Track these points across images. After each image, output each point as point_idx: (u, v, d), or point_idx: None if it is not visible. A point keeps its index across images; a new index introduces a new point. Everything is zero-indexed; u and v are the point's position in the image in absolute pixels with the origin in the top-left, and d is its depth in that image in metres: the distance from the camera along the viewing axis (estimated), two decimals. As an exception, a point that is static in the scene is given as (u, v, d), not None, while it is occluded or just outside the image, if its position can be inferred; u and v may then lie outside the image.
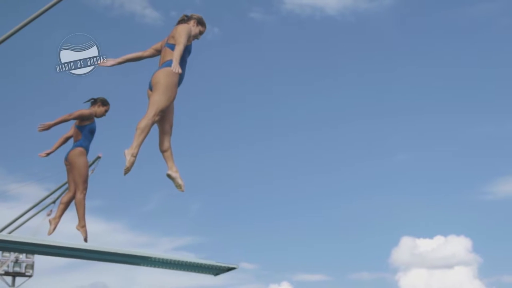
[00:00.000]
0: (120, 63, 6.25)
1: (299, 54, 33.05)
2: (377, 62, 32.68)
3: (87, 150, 7.96)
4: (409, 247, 31.35)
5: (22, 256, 25.25)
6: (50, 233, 8.04)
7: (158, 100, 5.70)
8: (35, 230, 16.91)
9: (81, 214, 7.80)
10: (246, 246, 29.23)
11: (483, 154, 32.52)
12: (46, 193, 17.31)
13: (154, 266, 5.88)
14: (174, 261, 5.64)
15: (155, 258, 5.58)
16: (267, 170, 31.20)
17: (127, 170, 5.57)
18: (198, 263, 5.69)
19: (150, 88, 5.88)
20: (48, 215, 16.64)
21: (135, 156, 5.58)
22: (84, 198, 7.81)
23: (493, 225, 30.94)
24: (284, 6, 31.66)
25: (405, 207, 31.24)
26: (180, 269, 5.95)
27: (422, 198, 31.01)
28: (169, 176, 5.95)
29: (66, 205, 8.04)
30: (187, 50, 5.94)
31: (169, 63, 5.79)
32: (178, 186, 5.96)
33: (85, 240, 7.86)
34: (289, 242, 30.13)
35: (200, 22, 6.28)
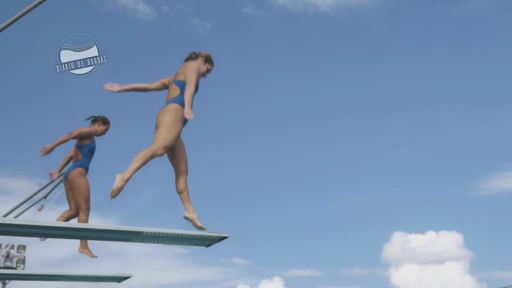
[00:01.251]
0: (126, 90, 6.22)
1: (291, 49, 33.10)
2: (369, 57, 32.79)
3: (87, 170, 7.84)
4: (400, 242, 31.52)
5: (13, 251, 25.18)
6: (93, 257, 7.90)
7: (163, 136, 5.67)
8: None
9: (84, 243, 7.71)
10: (238, 242, 29.27)
11: (475, 151, 32.73)
12: (37, 188, 17.19)
13: (146, 242, 5.87)
14: (166, 234, 5.63)
15: (146, 232, 5.57)
16: (259, 165, 31.28)
17: (113, 194, 5.49)
18: (189, 235, 5.70)
19: (157, 126, 5.85)
20: (39, 210, 16.58)
21: (125, 181, 5.49)
22: (87, 219, 7.67)
23: (485, 220, 31.18)
24: (276, 2, 31.60)
25: (397, 203, 31.41)
26: (172, 242, 5.95)
27: (414, 194, 31.21)
28: (186, 218, 5.91)
29: (66, 221, 7.82)
30: (194, 88, 5.92)
31: (175, 99, 5.82)
32: (199, 228, 5.90)
33: (92, 256, 7.76)
34: (281, 237, 30.23)
35: (208, 60, 6.30)
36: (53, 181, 16.62)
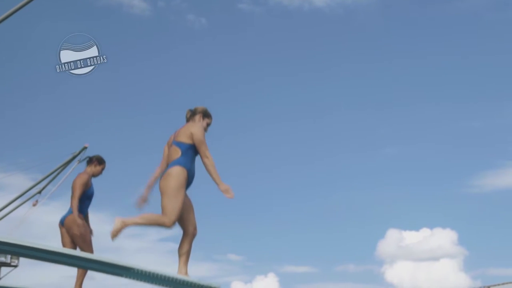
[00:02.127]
0: (149, 192, 5.99)
1: (286, 45, 33.04)
2: (364, 54, 32.77)
3: (84, 214, 7.62)
4: (395, 239, 31.54)
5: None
6: None
7: (171, 208, 5.54)
8: (20, 220, 16.79)
9: (79, 283, 7.42)
10: (233, 238, 29.26)
11: (469, 148, 32.79)
12: (31, 183, 17.13)
13: (136, 279, 5.66)
14: (157, 275, 5.46)
15: (137, 270, 5.40)
16: (254, 161, 31.26)
17: (113, 236, 5.43)
18: (180, 280, 5.53)
19: (161, 192, 5.70)
20: (34, 205, 16.50)
21: (125, 225, 5.45)
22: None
23: (479, 218, 31.24)
24: (272, -3, 31.51)
25: (391, 200, 31.45)
26: (163, 285, 5.76)
27: (408, 191, 31.24)
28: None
29: None
30: (192, 148, 5.77)
31: (176, 162, 5.67)
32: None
33: None
34: (276, 233, 30.22)
35: (206, 114, 6.11)
36: (47, 176, 16.59)
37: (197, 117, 6.06)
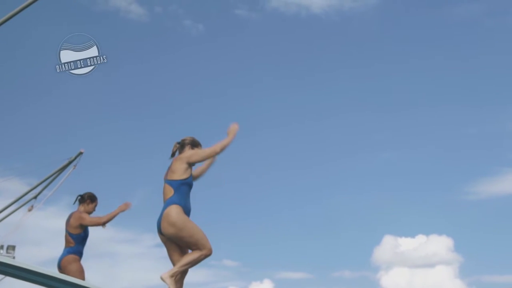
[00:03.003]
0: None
1: (283, 51, 33.01)
2: (361, 59, 32.69)
3: (80, 256, 7.52)
4: (391, 245, 31.49)
5: (2, 251, 24.96)
6: None
7: (198, 238, 5.57)
8: (16, 225, 16.71)
9: None
10: (228, 243, 29.14)
11: (466, 154, 32.71)
12: (27, 188, 17.00)
13: None
14: None
15: None
16: (250, 166, 31.14)
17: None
18: None
19: (159, 231, 5.67)
20: (29, 210, 16.38)
21: (173, 277, 5.48)
22: None
23: (475, 225, 31.14)
24: (269, 4, 31.57)
25: (387, 206, 31.34)
26: None
27: (404, 197, 31.12)
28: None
29: None
30: (185, 184, 5.72)
31: (170, 201, 5.61)
32: None
33: None
34: (271, 239, 30.11)
35: (194, 144, 6.03)
36: (43, 181, 16.50)
37: (186, 149, 5.96)
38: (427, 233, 31.28)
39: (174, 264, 5.68)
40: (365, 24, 32.81)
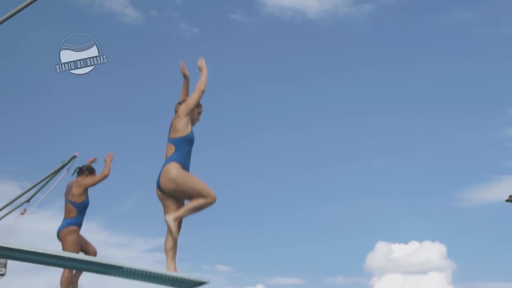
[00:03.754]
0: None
1: (278, 55, 33.13)
2: (355, 65, 32.94)
3: (80, 227, 7.55)
4: (384, 252, 31.53)
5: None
6: None
7: (201, 187, 5.68)
8: (8, 229, 16.64)
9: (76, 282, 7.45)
10: (222, 248, 29.13)
11: (459, 161, 32.89)
12: (20, 191, 16.92)
13: (126, 277, 5.63)
14: (146, 272, 5.40)
15: (126, 268, 5.34)
16: (243, 171, 31.19)
17: (175, 234, 5.64)
18: (170, 276, 5.47)
19: (158, 187, 5.78)
20: (22, 213, 16.34)
21: (177, 221, 5.64)
22: (71, 278, 7.38)
23: (468, 232, 31.29)
24: (265, 9, 31.63)
25: (381, 212, 31.44)
26: (152, 282, 5.70)
27: (398, 203, 31.25)
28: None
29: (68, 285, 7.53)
30: (186, 141, 5.84)
31: (168, 159, 5.74)
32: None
33: None
34: (264, 245, 30.12)
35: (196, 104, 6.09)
36: (36, 184, 16.43)
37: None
38: (420, 239, 31.38)
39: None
40: (359, 30, 32.98)
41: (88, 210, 7.64)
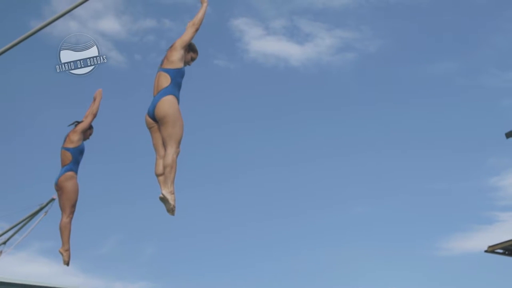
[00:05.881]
0: None
1: (260, 102, 33.31)
2: (336, 111, 33.18)
3: (76, 173, 7.76)
4: (363, 299, 31.29)
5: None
6: (67, 263, 7.84)
7: (174, 133, 5.75)
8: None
9: (65, 238, 7.67)
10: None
11: (439, 210, 33.01)
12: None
13: None
14: None
15: None
16: (221, 216, 30.94)
17: (174, 209, 5.66)
18: None
19: (150, 115, 5.90)
20: (-1, 254, 16.08)
21: (173, 193, 5.65)
22: (70, 222, 7.65)
23: (447, 281, 31.17)
24: (248, 55, 31.95)
25: (360, 260, 31.27)
26: None
27: (377, 251, 31.11)
28: (164, 196, 5.72)
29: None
30: (180, 74, 5.97)
31: (166, 90, 5.84)
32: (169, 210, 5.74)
33: (67, 264, 7.77)
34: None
35: (192, 48, 6.23)
36: (13, 226, 16.15)
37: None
38: (399, 287, 31.21)
39: (158, 150, 5.93)
40: (342, 78, 33.37)
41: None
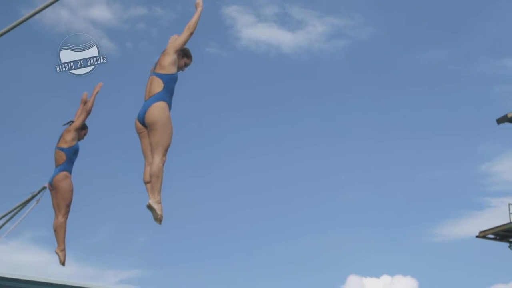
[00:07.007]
0: None
1: (252, 89, 33.28)
2: (328, 98, 33.19)
3: (70, 172, 7.71)
4: (356, 285, 31.40)
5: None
6: (63, 263, 7.87)
7: (162, 140, 5.67)
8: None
9: (61, 238, 7.66)
10: (193, 282, 28.77)
11: (431, 197, 33.14)
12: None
13: None
14: None
15: None
16: (213, 204, 30.94)
17: (161, 218, 5.61)
18: None
19: (140, 120, 5.84)
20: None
21: (160, 203, 5.60)
22: (65, 222, 7.62)
23: (439, 267, 31.37)
24: (240, 43, 31.86)
25: (352, 246, 31.39)
26: None
27: (370, 237, 31.23)
28: (151, 206, 5.66)
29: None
30: (173, 79, 5.88)
31: (158, 96, 5.75)
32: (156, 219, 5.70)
33: (63, 264, 7.78)
34: (236, 278, 29.78)
35: (186, 54, 6.13)
36: (5, 214, 16.07)
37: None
38: (392, 273, 31.33)
39: (146, 157, 5.84)
40: (333, 65, 33.36)
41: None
